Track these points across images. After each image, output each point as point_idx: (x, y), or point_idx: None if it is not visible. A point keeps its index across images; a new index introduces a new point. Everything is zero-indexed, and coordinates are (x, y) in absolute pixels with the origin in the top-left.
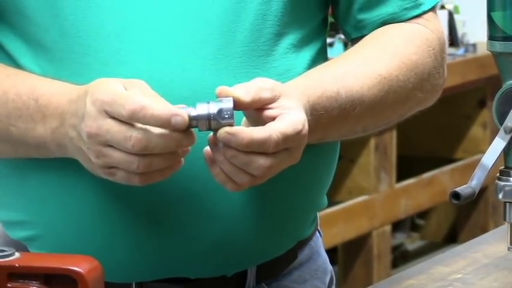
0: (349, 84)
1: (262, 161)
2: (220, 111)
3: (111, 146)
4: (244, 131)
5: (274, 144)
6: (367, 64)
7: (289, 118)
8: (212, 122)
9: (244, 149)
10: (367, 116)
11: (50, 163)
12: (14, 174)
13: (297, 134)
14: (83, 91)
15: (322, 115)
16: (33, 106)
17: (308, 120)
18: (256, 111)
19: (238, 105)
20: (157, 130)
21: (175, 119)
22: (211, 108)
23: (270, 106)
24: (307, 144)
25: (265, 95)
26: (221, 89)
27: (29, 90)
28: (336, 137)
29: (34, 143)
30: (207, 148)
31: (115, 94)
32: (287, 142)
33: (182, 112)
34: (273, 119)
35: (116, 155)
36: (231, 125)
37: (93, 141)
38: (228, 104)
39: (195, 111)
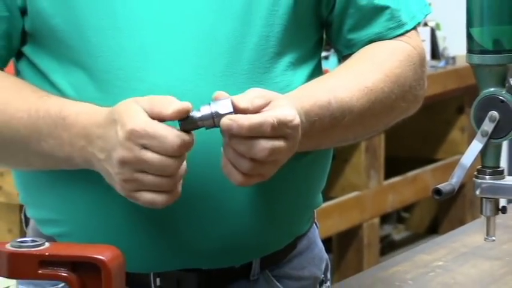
0: (339, 95)
1: (263, 143)
2: (220, 108)
3: (143, 172)
4: (243, 116)
5: (270, 126)
6: (356, 78)
7: (280, 108)
8: (216, 120)
9: (246, 133)
10: (357, 124)
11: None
12: (46, 177)
13: (290, 122)
14: (110, 119)
15: (316, 122)
16: (61, 124)
17: (303, 124)
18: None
19: (235, 108)
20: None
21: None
22: (213, 107)
23: (263, 110)
24: (304, 152)
25: (259, 101)
26: (218, 93)
27: (58, 108)
28: (329, 144)
29: (63, 157)
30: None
31: (148, 126)
32: (282, 127)
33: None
34: None
35: (148, 179)
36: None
37: (127, 168)
38: (226, 101)
39: (199, 113)
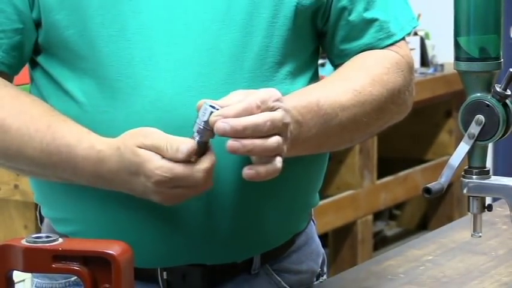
0: (327, 94)
1: (260, 116)
2: (203, 117)
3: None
4: (227, 110)
5: (255, 106)
6: (343, 82)
7: (261, 90)
8: (209, 129)
9: (234, 115)
10: (351, 124)
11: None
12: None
13: (271, 96)
14: (128, 170)
15: (306, 115)
16: (72, 167)
17: (293, 115)
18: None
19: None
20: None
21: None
22: (199, 122)
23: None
24: (302, 156)
25: (237, 95)
26: (198, 104)
27: (66, 149)
28: (329, 145)
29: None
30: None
31: (171, 173)
32: (266, 103)
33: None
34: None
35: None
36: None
37: (162, 197)
38: (204, 108)
39: (197, 135)
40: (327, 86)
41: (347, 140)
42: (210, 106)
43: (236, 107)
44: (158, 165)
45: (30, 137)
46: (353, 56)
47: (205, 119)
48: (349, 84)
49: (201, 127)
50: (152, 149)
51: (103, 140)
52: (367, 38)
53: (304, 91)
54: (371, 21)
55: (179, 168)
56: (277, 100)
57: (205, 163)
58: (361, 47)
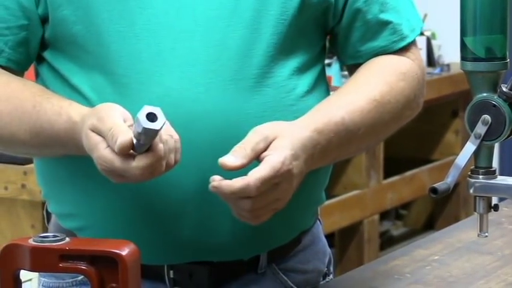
0: (351, 110)
1: (245, 202)
2: (139, 132)
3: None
4: (224, 183)
5: (254, 189)
6: (364, 92)
7: (268, 161)
8: (147, 133)
9: (230, 197)
10: (370, 135)
11: (94, 163)
12: (66, 173)
13: (277, 173)
14: (87, 149)
15: (333, 138)
16: (58, 142)
17: (320, 144)
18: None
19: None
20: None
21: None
22: (138, 129)
23: (263, 154)
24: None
25: (260, 146)
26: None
27: (48, 125)
28: (347, 155)
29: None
30: None
31: (108, 162)
32: (267, 183)
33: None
34: None
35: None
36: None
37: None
38: (139, 119)
39: (135, 138)
40: (350, 99)
41: (363, 149)
42: (149, 113)
43: (234, 190)
44: (100, 155)
45: (20, 119)
46: (367, 57)
47: (139, 130)
48: (369, 94)
49: (138, 132)
50: (100, 134)
51: (80, 110)
52: (382, 41)
53: (328, 108)
54: (385, 24)
55: (117, 163)
56: (283, 175)
57: (142, 161)
58: (375, 49)
